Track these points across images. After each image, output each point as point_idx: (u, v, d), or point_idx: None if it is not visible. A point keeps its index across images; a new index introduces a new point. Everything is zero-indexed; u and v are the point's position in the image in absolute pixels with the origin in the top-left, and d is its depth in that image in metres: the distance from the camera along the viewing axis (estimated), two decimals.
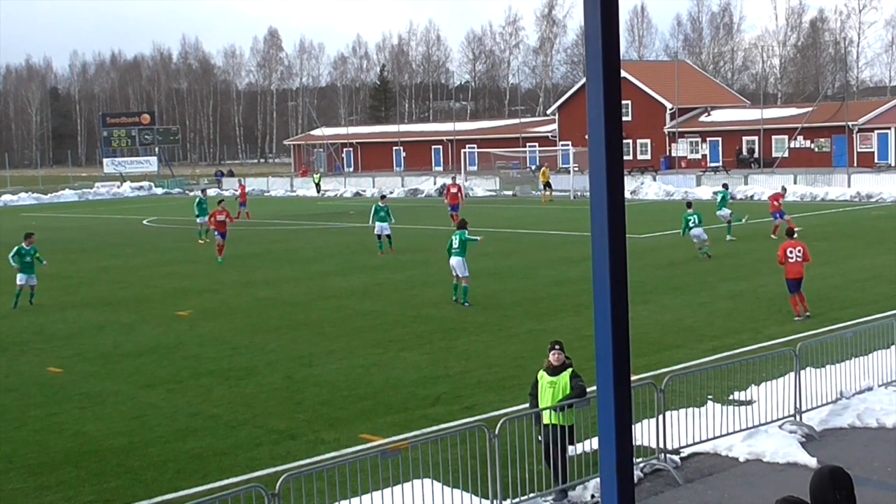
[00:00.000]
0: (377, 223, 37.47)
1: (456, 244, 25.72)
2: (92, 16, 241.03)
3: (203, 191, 53.12)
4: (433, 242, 40.70)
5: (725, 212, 38.06)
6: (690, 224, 32.56)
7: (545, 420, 12.42)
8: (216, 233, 36.75)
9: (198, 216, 44.87)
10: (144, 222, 57.82)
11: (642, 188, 64.15)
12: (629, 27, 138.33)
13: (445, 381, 18.09)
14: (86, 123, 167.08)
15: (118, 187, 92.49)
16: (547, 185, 63.59)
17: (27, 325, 25.38)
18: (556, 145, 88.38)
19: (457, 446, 12.57)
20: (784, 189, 41.56)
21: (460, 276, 25.63)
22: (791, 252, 22.33)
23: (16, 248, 27.94)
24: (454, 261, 25.64)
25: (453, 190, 48.38)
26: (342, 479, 11.12)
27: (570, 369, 12.50)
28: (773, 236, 36.05)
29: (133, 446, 15.05)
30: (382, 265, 34.00)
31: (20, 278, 27.70)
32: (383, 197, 40.53)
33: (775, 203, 37.77)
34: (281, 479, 10.51)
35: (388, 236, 37.70)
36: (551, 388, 12.44)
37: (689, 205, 33.80)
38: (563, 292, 27.07)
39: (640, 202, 58.01)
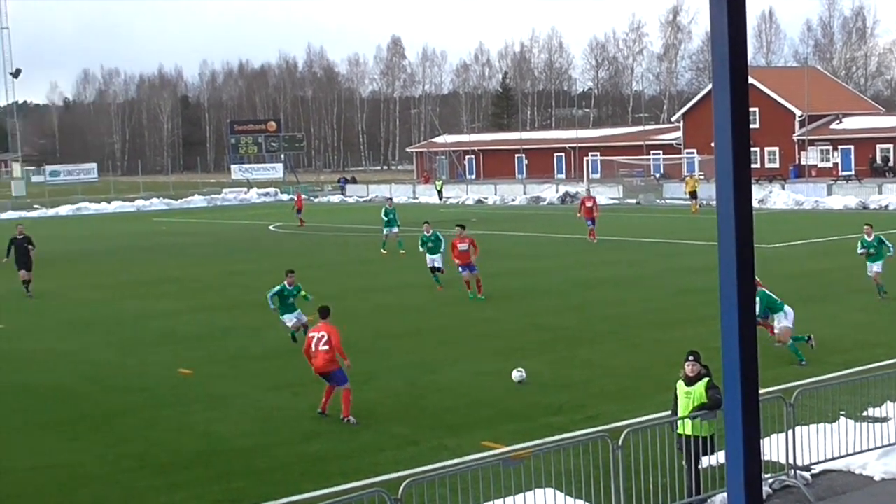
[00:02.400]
0: (427, 255, 31.05)
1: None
2: (221, 26, 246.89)
3: (389, 199, 48.22)
4: (555, 250, 40.56)
5: None
6: None
7: (679, 430, 12.30)
8: (460, 267, 28.81)
9: (386, 225, 41.65)
10: (270, 228, 58.90)
11: (770, 197, 62.84)
12: (757, 32, 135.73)
13: (567, 390, 18.00)
14: (214, 130, 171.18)
15: (245, 193, 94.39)
16: (693, 194, 60.40)
17: (159, 327, 26.07)
18: (680, 153, 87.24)
19: (579, 456, 12.49)
20: None
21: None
22: None
23: (278, 287, 22.78)
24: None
25: (588, 203, 43.52)
26: (464, 485, 11.15)
27: (706, 379, 12.33)
28: None
29: (259, 448, 15.34)
30: (505, 272, 33.97)
31: (287, 319, 22.82)
32: (426, 222, 32.51)
33: None
34: (404, 485, 10.59)
35: (438, 269, 30.78)
36: (687, 399, 12.31)
37: None
38: (687, 302, 26.68)
39: (768, 211, 56.86)
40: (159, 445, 15.67)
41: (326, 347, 16.51)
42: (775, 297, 19.65)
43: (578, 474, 12.03)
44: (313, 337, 16.85)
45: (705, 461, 12.38)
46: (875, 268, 25.92)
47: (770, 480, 12.79)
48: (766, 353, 19.33)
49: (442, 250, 30.50)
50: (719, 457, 12.55)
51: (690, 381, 12.37)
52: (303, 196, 65.59)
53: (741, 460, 3.86)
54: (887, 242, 26.29)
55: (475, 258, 28.47)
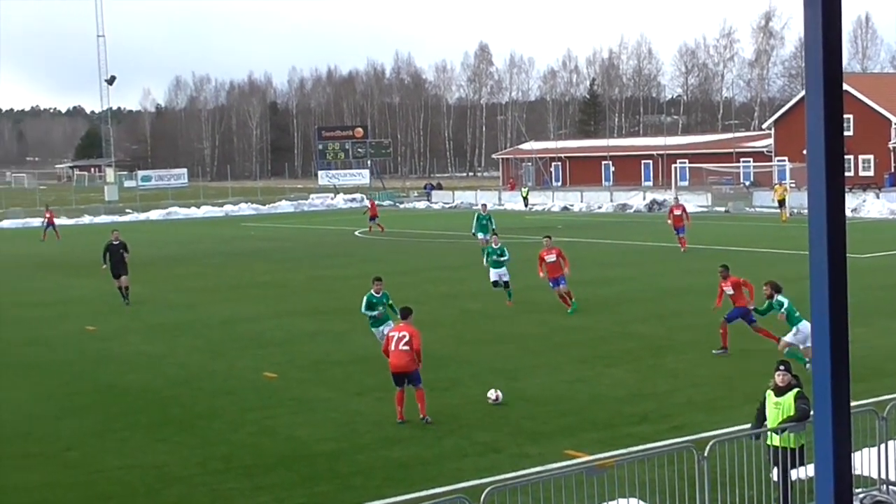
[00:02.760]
0: (490, 268, 29.18)
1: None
2: (310, 33, 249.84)
3: (483, 205, 45.39)
4: (642, 258, 40.21)
5: None
6: None
7: (769, 441, 12.10)
8: (551, 282, 27.40)
9: (474, 233, 40.99)
10: (356, 233, 59.30)
11: (864, 206, 61.59)
12: (852, 38, 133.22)
13: (652, 400, 17.81)
14: (302, 137, 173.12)
15: (332, 199, 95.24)
16: (781, 202, 58.86)
17: (245, 331, 26.38)
18: (771, 161, 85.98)
19: (664, 466, 12.34)
20: None
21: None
22: None
23: (366, 296, 21.00)
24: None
25: (677, 211, 42.04)
26: (546, 494, 11.07)
27: (795, 390, 12.13)
28: None
29: (342, 452, 15.43)
30: (590, 280, 33.74)
31: (376, 332, 21.04)
32: (495, 233, 31.58)
33: None
34: (486, 492, 10.54)
35: (505, 283, 28.93)
36: (776, 409, 12.11)
37: None
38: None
39: (861, 221, 55.72)
40: (244, 448, 15.85)
41: (407, 348, 16.67)
42: (795, 308, 19.50)
43: (663, 485, 11.88)
44: (393, 336, 16.99)
45: (794, 474, 12.14)
46: None
47: (861, 495, 12.50)
48: (858, 365, 18.90)
49: (508, 262, 28.85)
50: (808, 469, 12.29)
51: (780, 392, 12.16)
52: (377, 202, 65.69)
53: (831, 474, 3.76)
54: None
55: (567, 270, 27.17)
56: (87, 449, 16.09)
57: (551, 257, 27.17)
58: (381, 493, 13.55)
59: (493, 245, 29.51)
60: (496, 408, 17.67)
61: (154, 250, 51.05)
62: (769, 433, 12.11)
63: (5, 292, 36.20)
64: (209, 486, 14.16)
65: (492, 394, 17.91)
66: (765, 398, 12.40)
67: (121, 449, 15.96)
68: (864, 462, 12.72)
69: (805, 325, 19.29)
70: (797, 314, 19.43)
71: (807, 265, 4.00)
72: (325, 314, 28.53)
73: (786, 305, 19.58)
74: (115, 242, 32.03)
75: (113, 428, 17.27)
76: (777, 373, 12.26)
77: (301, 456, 15.34)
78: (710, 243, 44.56)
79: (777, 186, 63.20)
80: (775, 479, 12.10)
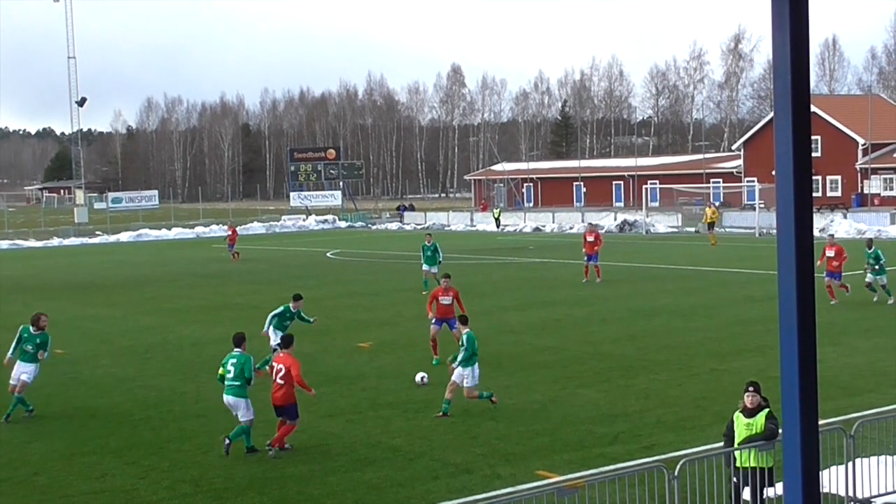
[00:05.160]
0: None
1: None
2: (282, 54, 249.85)
3: (428, 235, 40.41)
4: (613, 278, 40.33)
5: None
6: None
7: (738, 463, 12.09)
8: (437, 322, 24.34)
9: (423, 264, 37.12)
10: (328, 255, 59.17)
11: (832, 226, 62.07)
12: (819, 61, 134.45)
13: (624, 420, 17.84)
14: (274, 158, 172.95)
15: (304, 220, 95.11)
16: (711, 225, 58.93)
17: (216, 353, 26.19)
18: (741, 181, 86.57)
19: (635, 486, 12.35)
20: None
21: None
22: None
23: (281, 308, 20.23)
24: None
25: (589, 238, 39.52)
26: None
27: (766, 410, 12.18)
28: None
29: (313, 474, 15.35)
30: (562, 300, 33.78)
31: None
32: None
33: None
34: None
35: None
36: (748, 431, 12.14)
37: None
38: (746, 332, 26.37)
39: None
40: (214, 471, 15.75)
41: (282, 382, 16.70)
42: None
43: None
44: (273, 367, 17.01)
45: (765, 493, 12.18)
46: None
47: None
48: (826, 383, 19.04)
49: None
50: (778, 488, 12.33)
51: (751, 413, 12.19)
52: (237, 229, 62.99)
53: (800, 491, 3.78)
54: None
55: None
56: (56, 473, 15.94)
57: (447, 300, 24.15)
58: None
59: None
60: (468, 429, 17.63)
61: (124, 272, 50.74)
62: (742, 455, 12.13)
63: None
64: None
65: (419, 377, 19.90)
66: (732, 421, 12.43)
67: (90, 473, 15.82)
68: (833, 480, 12.79)
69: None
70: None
71: (776, 285, 4.02)
72: (296, 335, 28.33)
73: None
74: None
75: (82, 452, 17.12)
76: (746, 394, 12.30)
77: (271, 478, 15.25)
78: (681, 264, 44.75)
79: (707, 209, 62.52)
80: (746, 498, 12.13)
